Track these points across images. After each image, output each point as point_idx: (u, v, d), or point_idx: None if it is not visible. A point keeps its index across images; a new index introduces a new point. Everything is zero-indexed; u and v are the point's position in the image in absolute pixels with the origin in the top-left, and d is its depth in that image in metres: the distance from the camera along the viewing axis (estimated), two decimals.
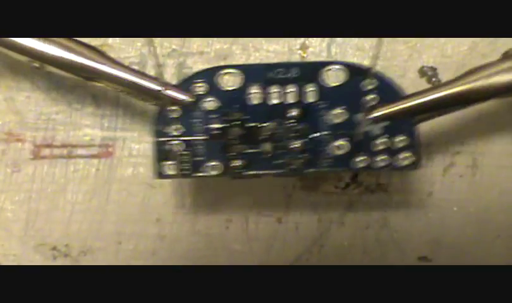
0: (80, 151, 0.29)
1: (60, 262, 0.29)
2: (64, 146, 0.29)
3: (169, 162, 0.25)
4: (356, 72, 0.25)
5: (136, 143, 0.29)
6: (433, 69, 0.29)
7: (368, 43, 0.29)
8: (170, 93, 0.25)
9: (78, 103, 0.29)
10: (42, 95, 0.29)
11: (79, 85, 0.29)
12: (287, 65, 0.25)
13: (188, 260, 0.29)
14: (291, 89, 0.25)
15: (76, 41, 0.25)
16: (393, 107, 0.25)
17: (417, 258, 0.29)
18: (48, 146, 0.29)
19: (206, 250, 0.29)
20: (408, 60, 0.29)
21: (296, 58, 0.29)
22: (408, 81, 0.29)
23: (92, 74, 0.25)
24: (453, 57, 0.29)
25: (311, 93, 0.25)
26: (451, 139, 0.29)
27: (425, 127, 0.27)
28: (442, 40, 0.29)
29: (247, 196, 0.29)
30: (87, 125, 0.29)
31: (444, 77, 0.28)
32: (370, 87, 0.25)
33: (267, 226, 0.29)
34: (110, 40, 0.29)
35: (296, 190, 0.29)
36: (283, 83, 0.25)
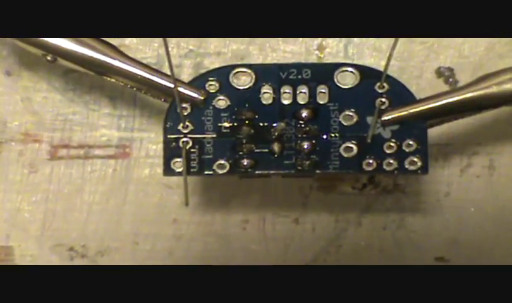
0: (97, 152, 0.29)
1: (77, 262, 0.29)
2: (81, 146, 0.29)
3: (178, 159, 0.25)
4: (368, 75, 0.25)
5: (153, 144, 0.29)
6: (451, 70, 0.29)
7: (385, 43, 0.29)
8: (182, 90, 0.25)
9: (95, 104, 0.29)
10: (59, 96, 0.29)
11: (96, 86, 0.29)
12: (300, 66, 0.25)
13: (205, 260, 0.29)
14: (303, 90, 0.25)
15: None
16: (404, 111, 0.25)
17: (434, 258, 0.29)
18: (65, 146, 0.29)
19: (223, 251, 0.29)
20: (424, 61, 0.29)
21: (313, 59, 0.29)
22: (425, 81, 0.29)
23: (104, 69, 0.25)
24: (470, 57, 0.29)
25: (322, 95, 0.25)
26: (468, 139, 0.29)
27: (442, 128, 0.27)
28: (459, 40, 0.29)
29: (264, 197, 0.29)
30: (104, 126, 0.29)
31: (461, 78, 0.28)
32: (381, 90, 0.25)
33: (284, 226, 0.29)
34: (127, 41, 0.29)
35: (313, 191, 0.29)
36: (295, 83, 0.25)
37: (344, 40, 0.29)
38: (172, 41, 0.29)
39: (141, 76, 0.25)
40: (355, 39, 0.29)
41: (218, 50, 0.29)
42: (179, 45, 0.29)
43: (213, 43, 0.29)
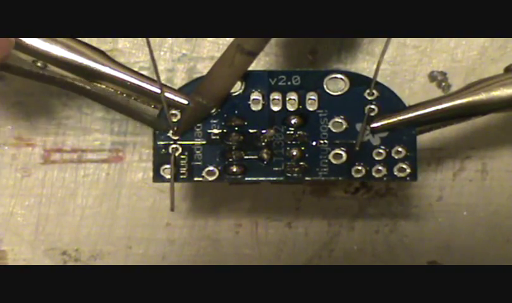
0: (90, 156, 0.29)
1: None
2: (74, 150, 0.29)
3: (168, 166, 0.25)
4: (357, 82, 0.25)
5: (146, 148, 0.29)
6: (443, 74, 0.29)
7: (378, 47, 0.28)
8: (170, 96, 0.25)
9: (88, 108, 0.29)
10: (52, 100, 0.29)
11: None
12: (289, 73, 0.25)
13: (198, 264, 0.29)
14: (292, 96, 0.25)
15: (79, 41, 0.25)
16: (393, 118, 0.24)
17: (427, 263, 0.29)
18: (59, 150, 0.29)
19: (215, 255, 0.29)
20: (417, 65, 0.29)
21: (305, 63, 0.29)
22: (418, 85, 0.29)
23: (92, 75, 0.25)
24: (463, 61, 0.29)
25: (312, 101, 0.25)
26: (461, 144, 0.29)
27: (435, 132, 0.27)
28: (452, 44, 0.29)
29: (256, 201, 0.29)
30: (97, 130, 0.29)
31: (454, 82, 0.28)
32: (371, 97, 0.25)
33: (276, 231, 0.29)
34: (120, 45, 0.29)
35: (306, 195, 0.29)
36: (284, 90, 0.25)
37: (337, 44, 0.29)
38: (165, 46, 0.29)
39: (130, 82, 0.25)
40: (348, 43, 0.29)
41: (211, 55, 0.29)
42: (172, 49, 0.29)
43: (206, 48, 0.29)
